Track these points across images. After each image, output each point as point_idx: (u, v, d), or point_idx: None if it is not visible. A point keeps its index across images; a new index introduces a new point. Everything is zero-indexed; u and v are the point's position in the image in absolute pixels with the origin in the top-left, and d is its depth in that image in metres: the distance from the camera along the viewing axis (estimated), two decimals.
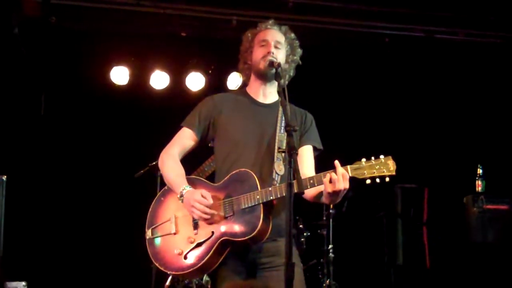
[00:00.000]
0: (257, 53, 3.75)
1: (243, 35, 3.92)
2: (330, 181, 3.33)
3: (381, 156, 3.38)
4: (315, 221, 7.28)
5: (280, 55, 3.73)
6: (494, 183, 7.19)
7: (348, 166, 3.37)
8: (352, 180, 3.37)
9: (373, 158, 3.38)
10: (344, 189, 3.34)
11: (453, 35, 7.64)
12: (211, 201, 3.50)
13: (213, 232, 3.52)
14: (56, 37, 7.25)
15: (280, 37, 3.79)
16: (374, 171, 3.35)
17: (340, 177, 3.31)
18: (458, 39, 7.65)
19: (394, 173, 3.35)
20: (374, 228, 7.78)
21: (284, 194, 3.35)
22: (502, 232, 6.88)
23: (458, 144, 7.95)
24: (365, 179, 3.36)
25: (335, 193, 3.35)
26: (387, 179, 3.36)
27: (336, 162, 3.36)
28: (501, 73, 7.88)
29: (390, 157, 3.38)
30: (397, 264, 7.58)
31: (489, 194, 7.07)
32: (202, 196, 3.50)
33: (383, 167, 3.35)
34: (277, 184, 3.52)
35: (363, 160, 3.38)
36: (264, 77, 3.77)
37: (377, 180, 3.36)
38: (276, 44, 3.74)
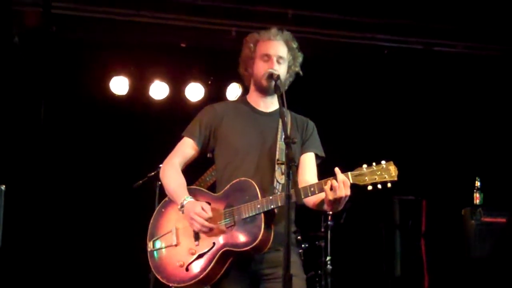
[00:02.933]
0: (259, 68, 3.71)
1: (245, 39, 3.84)
2: (331, 189, 3.28)
3: (382, 162, 3.32)
4: (313, 232, 7.27)
5: (281, 70, 3.69)
6: (492, 196, 7.19)
7: (349, 173, 3.32)
8: (354, 187, 3.31)
9: (374, 164, 3.33)
10: (346, 196, 3.28)
11: (451, 48, 7.66)
12: (210, 214, 3.47)
13: (214, 243, 3.49)
14: (56, 46, 7.26)
15: (283, 51, 3.73)
16: (376, 177, 3.29)
17: (341, 184, 3.26)
18: (457, 52, 7.67)
19: (396, 178, 3.29)
20: (372, 239, 7.78)
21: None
22: (499, 244, 6.87)
23: (457, 156, 7.96)
24: (366, 186, 3.31)
25: (336, 201, 3.30)
26: (389, 185, 3.30)
27: (337, 169, 3.30)
28: (500, 85, 7.89)
29: (391, 162, 3.33)
30: (395, 275, 7.58)
31: (487, 206, 7.07)
32: (202, 209, 3.48)
33: (384, 172, 3.30)
34: (278, 193, 3.48)
35: (364, 166, 3.33)
36: (265, 92, 3.75)
37: (379, 186, 3.30)
38: (278, 59, 3.69)
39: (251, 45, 3.79)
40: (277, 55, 3.70)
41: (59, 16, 6.96)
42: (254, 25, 6.71)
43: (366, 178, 3.31)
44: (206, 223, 3.46)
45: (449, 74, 7.94)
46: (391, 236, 7.70)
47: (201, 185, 4.81)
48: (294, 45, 3.80)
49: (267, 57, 3.69)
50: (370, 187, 3.32)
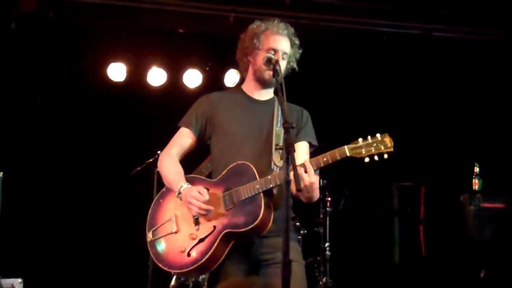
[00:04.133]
0: (263, 60, 3.69)
1: (251, 27, 3.83)
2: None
3: (378, 134, 3.38)
4: (312, 218, 7.27)
5: (283, 65, 3.70)
6: (491, 182, 7.19)
7: (346, 146, 3.37)
8: (351, 160, 3.36)
9: (369, 136, 3.38)
10: (311, 184, 3.34)
11: (450, 33, 7.63)
12: (207, 197, 3.50)
13: (215, 227, 3.51)
14: (53, 32, 7.24)
15: (288, 48, 3.75)
16: (372, 148, 3.34)
17: (302, 173, 3.31)
18: (456, 37, 7.65)
19: (392, 149, 3.35)
20: (370, 226, 7.78)
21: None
22: (498, 230, 6.88)
23: (455, 142, 7.95)
24: (363, 158, 3.35)
25: (303, 190, 3.34)
26: (386, 155, 3.35)
27: (305, 160, 3.38)
28: (499, 71, 7.87)
29: (386, 134, 3.39)
30: (394, 262, 7.58)
31: (485, 192, 7.07)
32: (199, 192, 3.50)
33: (380, 144, 3.35)
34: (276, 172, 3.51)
35: (360, 139, 3.38)
36: (264, 84, 3.77)
37: (376, 158, 3.34)
38: (282, 55, 3.71)
39: (258, 35, 3.76)
40: (283, 51, 3.73)
41: (56, 1, 6.94)
42: (252, 11, 6.71)
43: (363, 150, 3.36)
44: (204, 206, 3.49)
45: (448, 59, 7.92)
46: (389, 223, 7.70)
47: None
48: (296, 41, 3.82)
49: (274, 52, 3.69)
50: (367, 159, 3.36)
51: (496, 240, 6.74)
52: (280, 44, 3.72)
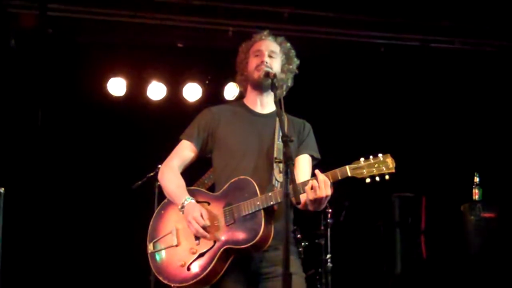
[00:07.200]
0: (252, 63, 3.78)
1: (239, 47, 3.94)
2: (312, 188, 3.32)
3: (380, 155, 3.36)
4: (313, 230, 7.26)
5: (275, 64, 3.75)
6: (491, 191, 7.19)
7: (347, 166, 3.36)
8: (353, 181, 3.34)
9: (371, 156, 3.37)
10: (326, 196, 3.32)
11: (448, 44, 7.66)
12: (208, 223, 3.49)
13: (215, 242, 3.50)
14: (53, 48, 7.26)
15: (275, 47, 3.81)
16: (373, 169, 3.33)
17: (322, 184, 3.30)
18: (454, 48, 7.67)
19: (393, 170, 3.33)
20: (372, 237, 7.78)
21: None
22: (488, 239, 6.89)
23: (455, 152, 7.96)
24: (364, 178, 3.34)
25: (316, 201, 3.33)
26: (387, 177, 3.34)
27: (317, 171, 3.36)
28: (497, 81, 7.89)
29: (388, 155, 3.37)
30: (395, 273, 7.58)
31: (486, 202, 7.08)
32: (201, 215, 3.50)
33: (382, 165, 3.34)
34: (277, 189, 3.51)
35: (362, 159, 3.37)
36: (259, 87, 3.79)
37: (377, 178, 3.33)
38: (270, 54, 3.76)
39: (245, 48, 3.89)
40: (269, 49, 3.79)
41: (55, 18, 6.97)
42: (250, 25, 6.75)
43: (364, 171, 3.35)
44: (201, 230, 3.49)
45: (446, 71, 7.94)
46: (391, 234, 7.70)
47: (199, 187, 4.81)
48: (287, 45, 3.88)
49: (259, 52, 3.77)
50: (368, 180, 3.35)
51: (489, 249, 6.75)
52: (264, 45, 3.80)
